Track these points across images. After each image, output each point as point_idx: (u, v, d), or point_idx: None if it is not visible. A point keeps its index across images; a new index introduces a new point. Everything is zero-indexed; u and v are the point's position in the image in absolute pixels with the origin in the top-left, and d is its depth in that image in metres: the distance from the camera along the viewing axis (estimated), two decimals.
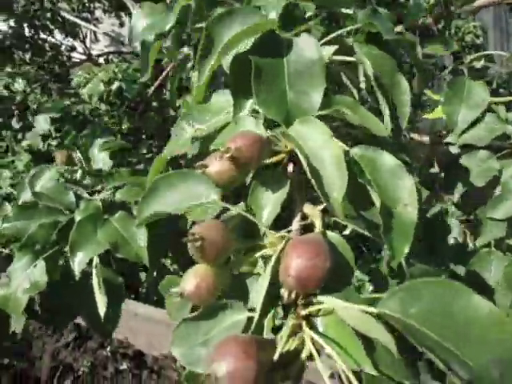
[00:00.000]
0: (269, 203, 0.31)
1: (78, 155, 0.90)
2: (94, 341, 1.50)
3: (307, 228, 0.30)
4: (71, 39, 1.88)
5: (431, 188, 0.85)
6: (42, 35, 1.73)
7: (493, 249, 0.69)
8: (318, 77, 0.34)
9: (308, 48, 0.35)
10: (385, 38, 0.40)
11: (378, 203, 0.28)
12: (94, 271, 0.53)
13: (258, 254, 0.27)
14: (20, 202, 0.68)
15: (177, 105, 1.45)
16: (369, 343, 0.22)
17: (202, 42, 0.36)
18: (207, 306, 0.26)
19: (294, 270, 0.23)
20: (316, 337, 0.22)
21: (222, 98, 0.42)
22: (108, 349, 1.47)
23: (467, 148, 0.87)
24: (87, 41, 1.98)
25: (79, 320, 0.59)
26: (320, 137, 0.30)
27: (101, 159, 0.85)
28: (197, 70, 0.37)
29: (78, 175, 0.83)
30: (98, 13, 2.06)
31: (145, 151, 1.21)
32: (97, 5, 1.95)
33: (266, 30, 0.36)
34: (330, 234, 0.29)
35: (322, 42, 0.41)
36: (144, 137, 1.45)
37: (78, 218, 0.58)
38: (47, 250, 0.57)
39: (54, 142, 1.77)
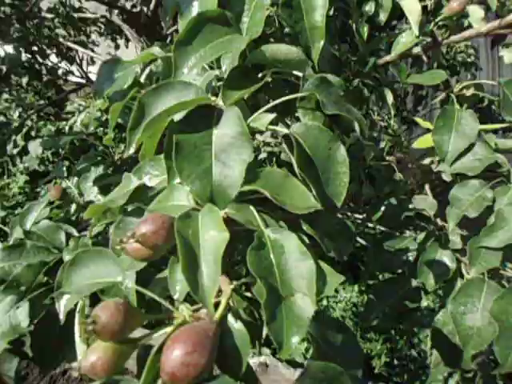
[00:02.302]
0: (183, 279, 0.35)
1: (71, 189, 0.95)
2: None
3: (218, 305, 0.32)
4: (68, 63, 1.99)
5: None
6: (39, 59, 1.84)
7: (486, 278, 0.70)
8: (244, 150, 0.37)
9: (234, 122, 0.38)
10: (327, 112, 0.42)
11: (264, 294, 0.30)
12: (76, 317, 0.55)
13: (159, 333, 0.31)
14: (12, 240, 0.72)
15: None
16: None
17: (133, 112, 0.40)
18: (104, 382, 0.29)
19: (167, 366, 0.26)
20: None
21: None
22: None
23: (460, 175, 0.89)
24: (84, 64, 2.09)
25: None
26: (215, 226, 0.33)
27: (93, 192, 0.90)
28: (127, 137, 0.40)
29: (72, 210, 0.88)
30: (94, 36, 2.17)
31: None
32: (93, 28, 2.06)
33: (198, 104, 0.39)
34: (230, 319, 0.32)
35: (263, 109, 0.44)
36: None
37: (66, 257, 0.61)
38: (33, 291, 0.59)
39: (51, 166, 1.87)
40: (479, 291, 0.71)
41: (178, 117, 0.40)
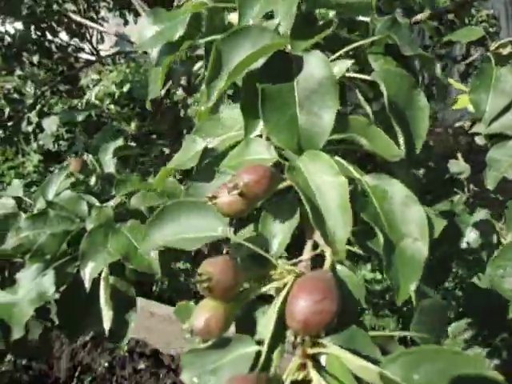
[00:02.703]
0: (279, 232, 0.32)
1: (91, 161, 0.92)
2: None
3: (318, 258, 0.30)
4: (78, 40, 1.92)
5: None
6: (49, 37, 1.76)
7: None
8: (330, 97, 0.34)
9: (318, 66, 0.35)
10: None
11: (381, 240, 0.28)
12: (101, 284, 0.54)
13: (267, 287, 0.28)
14: (34, 212, 0.70)
15: (188, 103, 1.47)
16: None
17: (211, 62, 0.36)
18: (217, 339, 0.27)
19: (299, 315, 0.24)
20: (320, 379, 0.23)
21: (234, 113, 0.42)
22: (125, 348, 1.53)
23: (495, 139, 0.85)
24: (93, 41, 2.01)
25: None
26: (327, 171, 0.30)
27: (112, 164, 0.87)
28: (205, 89, 0.37)
29: (92, 182, 0.85)
30: (103, 12, 2.09)
31: (157, 154, 1.23)
32: (102, 4, 1.97)
33: (277, 49, 0.36)
34: (339, 268, 0.30)
35: (336, 55, 0.41)
36: (155, 136, 1.48)
37: (89, 226, 0.59)
38: (57, 260, 0.58)
39: (64, 143, 1.82)
40: None
41: (253, 66, 0.36)
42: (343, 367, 0.24)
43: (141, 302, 0.58)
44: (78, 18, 1.68)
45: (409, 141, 0.37)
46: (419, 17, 0.89)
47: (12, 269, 0.64)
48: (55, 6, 1.72)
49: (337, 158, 0.34)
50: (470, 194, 0.88)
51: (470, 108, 0.82)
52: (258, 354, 0.27)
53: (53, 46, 1.80)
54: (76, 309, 0.58)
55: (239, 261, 0.32)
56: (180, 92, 1.55)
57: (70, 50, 1.85)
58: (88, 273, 0.52)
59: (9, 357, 1.43)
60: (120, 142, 0.92)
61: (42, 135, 1.65)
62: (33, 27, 1.68)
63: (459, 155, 0.96)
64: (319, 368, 0.25)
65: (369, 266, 2.01)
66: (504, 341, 0.87)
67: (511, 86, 0.77)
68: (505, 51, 0.89)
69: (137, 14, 2.02)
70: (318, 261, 0.30)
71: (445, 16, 1.03)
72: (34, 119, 1.58)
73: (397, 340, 0.29)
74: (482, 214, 0.82)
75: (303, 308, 0.24)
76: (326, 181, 0.30)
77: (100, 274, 0.54)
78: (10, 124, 1.52)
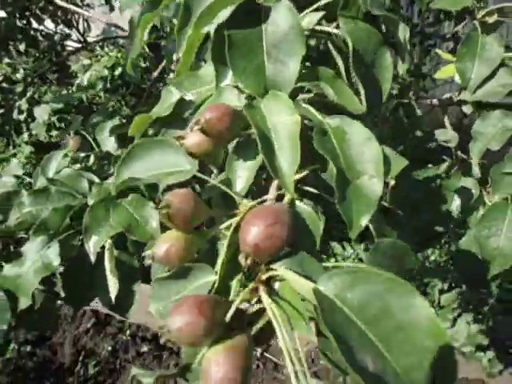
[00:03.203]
0: (243, 172, 0.33)
1: (88, 140, 0.93)
2: (113, 326, 1.60)
3: (282, 197, 0.31)
4: (64, 27, 1.91)
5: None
6: (34, 25, 1.76)
7: (510, 202, 0.69)
8: (296, 46, 0.35)
9: (286, 15, 0.36)
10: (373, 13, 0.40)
11: (334, 174, 0.29)
12: (106, 255, 0.56)
13: (228, 222, 0.29)
14: (32, 189, 0.71)
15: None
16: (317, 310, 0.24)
17: (181, 11, 0.37)
18: (178, 268, 0.28)
19: (250, 238, 0.25)
20: (268, 298, 0.24)
21: (212, 69, 0.42)
22: (127, 333, 1.56)
23: (481, 108, 0.86)
24: (80, 28, 2.00)
25: (97, 306, 0.62)
26: (283, 110, 0.31)
27: (109, 143, 0.88)
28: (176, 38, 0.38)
29: (91, 160, 0.86)
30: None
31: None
32: None
33: None
34: (298, 203, 0.31)
35: (308, 10, 0.41)
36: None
37: (90, 202, 0.61)
38: (61, 234, 0.60)
39: (55, 133, 1.83)
40: (503, 214, 0.70)
41: (222, 17, 0.37)
42: (293, 291, 0.25)
43: (141, 286, 0.60)
44: (63, 4, 1.67)
45: (372, 97, 0.38)
46: None
47: (16, 244, 0.66)
48: None
49: (301, 102, 0.35)
50: (457, 161, 0.89)
51: (457, 79, 0.82)
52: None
53: (38, 35, 1.80)
54: (81, 281, 0.60)
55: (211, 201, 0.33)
56: (172, 76, 1.55)
57: (56, 38, 1.84)
58: (92, 246, 0.54)
59: (12, 345, 1.46)
60: (116, 120, 0.93)
61: (34, 124, 1.66)
62: (17, 15, 1.67)
63: (447, 124, 0.97)
64: (271, 292, 0.26)
65: (362, 246, 2.04)
66: (492, 308, 0.89)
67: (496, 53, 0.78)
68: (491, 19, 0.89)
69: None
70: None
71: None
72: (25, 106, 1.58)
73: None
74: (468, 180, 0.83)
75: (254, 232, 0.25)
76: (281, 119, 0.31)
77: (103, 248, 0.56)
78: (0, 112, 1.53)
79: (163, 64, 1.39)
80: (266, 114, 0.31)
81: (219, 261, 0.26)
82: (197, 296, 0.23)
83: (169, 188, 0.32)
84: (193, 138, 0.31)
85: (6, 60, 1.57)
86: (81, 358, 1.50)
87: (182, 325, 0.22)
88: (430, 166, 0.86)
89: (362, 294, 0.22)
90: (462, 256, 0.75)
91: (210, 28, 0.39)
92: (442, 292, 1.38)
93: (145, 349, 1.53)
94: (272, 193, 0.32)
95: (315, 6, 0.42)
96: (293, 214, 0.28)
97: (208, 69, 0.44)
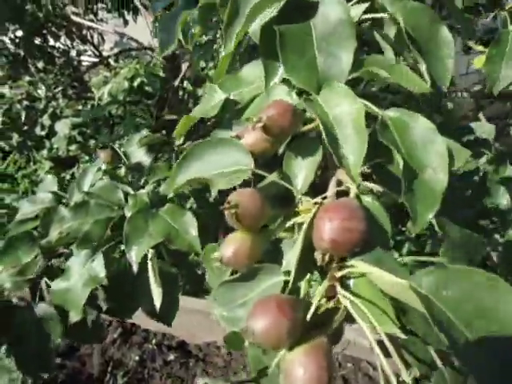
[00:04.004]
0: (302, 170, 0.33)
1: (119, 152, 0.94)
2: (139, 336, 1.61)
3: (343, 194, 0.31)
4: (79, 42, 1.96)
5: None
6: (51, 42, 1.81)
7: None
8: (347, 38, 0.35)
9: (335, 8, 0.36)
10: None
11: (401, 165, 0.28)
12: (149, 264, 0.58)
13: (293, 221, 0.29)
14: (72, 204, 0.73)
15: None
16: (399, 305, 0.24)
17: (228, 9, 0.37)
18: (245, 270, 0.28)
19: (327, 233, 0.24)
20: (349, 296, 0.24)
21: (254, 69, 0.44)
22: (153, 342, 1.57)
23: None
24: (95, 42, 2.05)
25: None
26: (343, 101, 0.31)
27: (139, 155, 0.90)
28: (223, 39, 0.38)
29: (122, 172, 0.88)
30: (101, 13, 2.13)
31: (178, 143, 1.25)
32: (100, 5, 2.01)
33: None
34: (364, 198, 0.30)
35: (353, 2, 0.41)
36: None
37: (128, 213, 0.62)
38: (103, 245, 0.61)
39: (74, 147, 1.86)
40: None
41: (270, 15, 0.37)
42: (372, 288, 0.24)
43: None
44: (79, 20, 1.71)
45: (436, 73, 0.37)
46: None
47: (56, 259, 0.67)
48: (57, 11, 1.76)
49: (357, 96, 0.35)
50: (497, 154, 0.87)
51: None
52: (286, 283, 0.28)
53: (55, 52, 1.85)
54: (124, 292, 0.61)
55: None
56: (185, 84, 1.57)
57: (72, 53, 1.89)
58: (134, 255, 0.55)
59: None
60: (144, 132, 0.95)
61: (55, 138, 1.69)
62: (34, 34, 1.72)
63: (482, 116, 0.95)
64: (347, 290, 0.25)
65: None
66: None
67: None
68: None
69: (135, 12, 2.05)
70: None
71: None
72: (47, 122, 1.62)
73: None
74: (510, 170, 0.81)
75: (332, 226, 0.24)
76: (344, 110, 0.30)
77: (144, 258, 0.56)
78: (24, 129, 1.56)
79: (183, 73, 1.40)
80: (326, 106, 0.31)
81: (293, 261, 0.26)
82: (276, 297, 0.23)
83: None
84: (250, 136, 0.31)
85: (27, 78, 1.62)
86: (109, 368, 1.51)
87: (266, 326, 0.22)
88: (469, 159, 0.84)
89: (456, 291, 0.22)
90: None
91: (250, 28, 0.39)
92: None
93: (171, 357, 1.54)
94: (332, 190, 0.32)
95: None
96: (363, 208, 0.27)
97: (248, 70, 0.44)
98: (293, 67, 0.33)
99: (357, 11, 0.39)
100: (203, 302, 1.43)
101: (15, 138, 1.58)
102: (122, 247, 0.59)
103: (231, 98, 0.41)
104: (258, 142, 0.31)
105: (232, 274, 0.33)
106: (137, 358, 1.54)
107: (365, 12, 0.39)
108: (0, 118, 1.46)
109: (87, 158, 1.93)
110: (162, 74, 1.60)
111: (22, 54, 1.79)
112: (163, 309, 0.55)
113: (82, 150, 1.75)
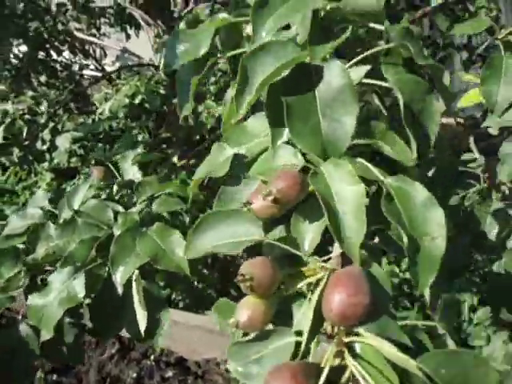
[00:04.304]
0: (309, 233, 0.35)
1: (111, 169, 0.95)
2: (137, 351, 1.61)
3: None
4: (82, 56, 1.98)
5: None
6: (54, 56, 1.83)
7: None
8: (349, 104, 0.37)
9: (337, 74, 0.38)
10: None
11: (405, 239, 0.31)
12: (133, 285, 0.57)
13: (302, 283, 0.31)
14: (61, 221, 0.72)
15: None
16: (403, 374, 0.27)
17: (238, 77, 0.40)
18: (259, 332, 0.30)
19: (336, 308, 0.27)
20: (356, 364, 0.26)
21: (259, 121, 0.46)
22: (151, 358, 1.57)
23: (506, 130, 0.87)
24: (97, 57, 2.07)
25: (121, 332, 0.62)
26: (347, 180, 0.33)
27: (131, 172, 0.90)
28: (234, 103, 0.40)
29: (114, 189, 0.88)
30: (103, 28, 2.15)
31: (175, 160, 1.28)
32: (103, 20, 2.04)
33: (298, 62, 0.39)
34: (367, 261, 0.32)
35: (353, 62, 0.43)
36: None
37: (116, 232, 0.62)
38: (88, 265, 0.60)
39: (75, 159, 1.88)
40: None
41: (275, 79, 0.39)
42: (377, 354, 0.27)
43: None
44: (81, 35, 1.74)
45: (421, 144, 0.40)
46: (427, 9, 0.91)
47: (42, 276, 0.66)
48: (60, 26, 1.79)
49: (361, 160, 0.37)
50: (486, 186, 0.90)
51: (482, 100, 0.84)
52: (297, 343, 0.30)
53: (57, 66, 1.86)
54: (108, 312, 0.61)
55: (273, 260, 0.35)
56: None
57: (75, 68, 1.91)
58: (119, 277, 0.55)
59: (39, 373, 1.47)
60: (139, 150, 0.94)
61: (56, 152, 1.71)
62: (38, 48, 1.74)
63: (473, 147, 0.97)
64: (354, 355, 0.28)
65: (385, 259, 2.02)
66: None
67: None
68: None
69: (138, 27, 2.08)
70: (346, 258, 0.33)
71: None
72: (47, 137, 1.63)
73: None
74: (498, 204, 0.84)
75: (339, 302, 0.27)
76: (345, 188, 0.33)
77: (130, 278, 0.56)
78: (25, 144, 1.58)
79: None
80: (329, 181, 0.33)
81: (306, 326, 0.28)
82: (291, 365, 0.25)
83: None
84: (260, 202, 0.34)
85: (30, 93, 1.64)
86: None
87: None
88: (458, 190, 0.87)
89: (451, 369, 0.27)
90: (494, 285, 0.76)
91: None
92: (471, 309, 1.36)
93: (170, 374, 1.54)
94: (336, 250, 0.34)
95: (361, 57, 0.44)
96: (366, 275, 0.30)
97: (254, 121, 0.46)
98: (298, 133, 0.36)
99: (358, 73, 0.41)
100: (203, 317, 1.45)
101: (16, 152, 1.59)
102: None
103: (239, 152, 0.44)
104: (267, 208, 0.34)
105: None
106: (134, 374, 1.53)
107: (366, 75, 0.42)
108: (1, 134, 1.47)
109: (88, 169, 1.95)
110: (162, 90, 1.62)
111: (25, 68, 1.81)
112: (147, 330, 0.56)
113: (82, 163, 1.77)
